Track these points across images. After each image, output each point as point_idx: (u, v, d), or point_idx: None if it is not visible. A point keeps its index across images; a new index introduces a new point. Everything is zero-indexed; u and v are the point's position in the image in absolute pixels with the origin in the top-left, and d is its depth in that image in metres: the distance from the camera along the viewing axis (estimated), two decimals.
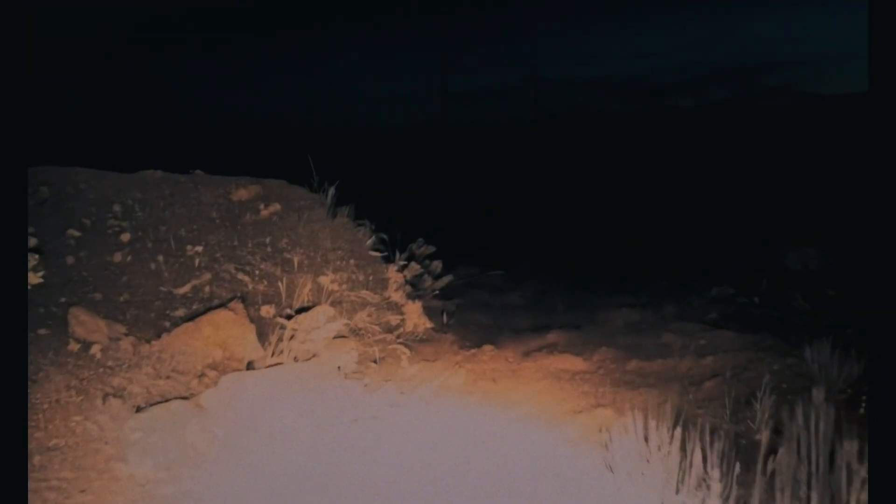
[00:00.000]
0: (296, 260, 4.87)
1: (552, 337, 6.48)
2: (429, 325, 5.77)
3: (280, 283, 4.54)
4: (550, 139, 21.72)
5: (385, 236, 6.03)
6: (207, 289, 4.45)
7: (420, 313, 5.62)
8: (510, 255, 10.57)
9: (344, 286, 4.90)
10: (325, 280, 4.70)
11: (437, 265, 7.04)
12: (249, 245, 4.96)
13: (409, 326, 5.36)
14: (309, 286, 4.63)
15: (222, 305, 4.21)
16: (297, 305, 4.45)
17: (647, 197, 15.16)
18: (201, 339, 4.00)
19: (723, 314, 7.57)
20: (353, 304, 4.80)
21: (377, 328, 4.92)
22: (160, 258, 4.63)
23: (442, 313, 6.65)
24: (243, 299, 4.31)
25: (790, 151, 18.66)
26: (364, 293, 4.93)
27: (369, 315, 4.79)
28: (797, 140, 19.48)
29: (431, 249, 7.18)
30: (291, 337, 4.07)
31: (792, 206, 12.71)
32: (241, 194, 5.52)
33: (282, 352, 3.96)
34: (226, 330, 3.97)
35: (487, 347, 6.08)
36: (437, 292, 6.96)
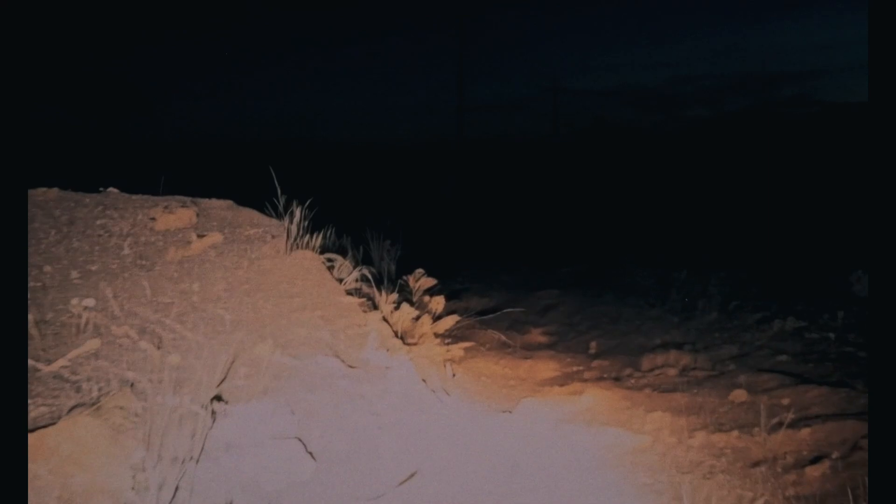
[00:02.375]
0: (229, 317, 3.29)
1: (588, 397, 4.84)
2: (423, 389, 4.17)
3: (199, 355, 2.97)
4: (571, 151, 20.14)
5: (369, 272, 4.45)
6: (91, 364, 2.89)
7: (411, 377, 4.02)
8: (530, 280, 8.94)
9: (300, 350, 3.32)
10: (267, 347, 3.11)
11: (438, 302, 5.44)
12: (168, 294, 3.38)
13: (393, 397, 3.76)
14: (246, 356, 3.06)
15: (100, 398, 2.65)
16: (222, 391, 2.88)
17: (680, 213, 13.51)
18: (56, 458, 2.45)
19: (795, 356, 5.90)
20: (311, 380, 3.20)
21: (348, 409, 3.32)
22: (31, 317, 3.09)
23: (444, 365, 5.06)
24: (134, 386, 2.74)
25: (822, 162, 16.99)
26: (329, 361, 3.33)
27: (333, 395, 3.20)
28: (825, 150, 17.83)
29: (432, 282, 5.59)
30: (195, 459, 2.50)
31: (845, 222, 10.98)
32: (169, 221, 3.94)
33: (178, 488, 2.39)
34: (93, 446, 2.42)
35: (503, 417, 4.47)
36: (440, 338, 5.37)
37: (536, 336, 6.59)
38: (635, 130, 24.12)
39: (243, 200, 5.13)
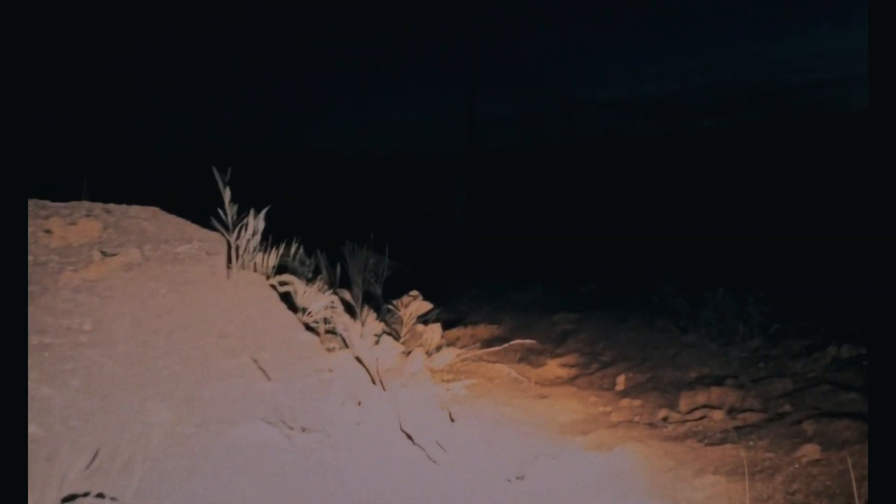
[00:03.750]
0: (122, 369, 2.30)
1: (621, 453, 3.79)
2: (408, 449, 3.16)
3: (70, 426, 1.98)
4: (585, 162, 19.09)
5: (341, 297, 3.45)
6: None
7: (392, 434, 3.02)
8: (545, 301, 7.91)
9: (229, 412, 2.32)
10: (173, 411, 2.11)
11: (434, 331, 4.43)
12: (49, 334, 2.39)
13: (364, 467, 2.75)
14: (141, 426, 2.08)
15: None
16: (89, 483, 1.90)
17: (702, 225, 12.44)
18: None
19: (863, 393, 4.83)
20: (239, 458, 2.21)
21: (296, 496, 2.31)
22: None
23: (441, 410, 4.05)
24: None
25: (844, 173, 15.84)
26: (267, 429, 2.34)
27: (273, 477, 2.20)
28: (845, 161, 16.70)
29: (428, 307, 4.58)
30: None
31: (881, 234, 9.86)
32: (69, 235, 2.97)
33: None
34: None
35: (514, 485, 3.43)
36: (438, 374, 4.36)
37: (554, 368, 5.55)
38: (650, 141, 23.07)
39: (200, 210, 4.13)
